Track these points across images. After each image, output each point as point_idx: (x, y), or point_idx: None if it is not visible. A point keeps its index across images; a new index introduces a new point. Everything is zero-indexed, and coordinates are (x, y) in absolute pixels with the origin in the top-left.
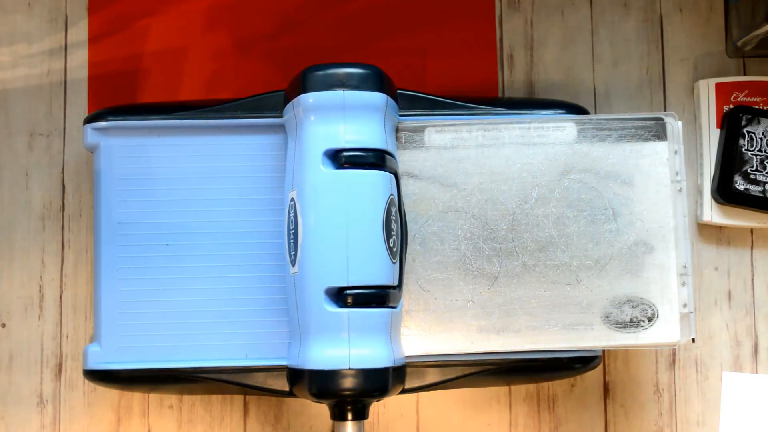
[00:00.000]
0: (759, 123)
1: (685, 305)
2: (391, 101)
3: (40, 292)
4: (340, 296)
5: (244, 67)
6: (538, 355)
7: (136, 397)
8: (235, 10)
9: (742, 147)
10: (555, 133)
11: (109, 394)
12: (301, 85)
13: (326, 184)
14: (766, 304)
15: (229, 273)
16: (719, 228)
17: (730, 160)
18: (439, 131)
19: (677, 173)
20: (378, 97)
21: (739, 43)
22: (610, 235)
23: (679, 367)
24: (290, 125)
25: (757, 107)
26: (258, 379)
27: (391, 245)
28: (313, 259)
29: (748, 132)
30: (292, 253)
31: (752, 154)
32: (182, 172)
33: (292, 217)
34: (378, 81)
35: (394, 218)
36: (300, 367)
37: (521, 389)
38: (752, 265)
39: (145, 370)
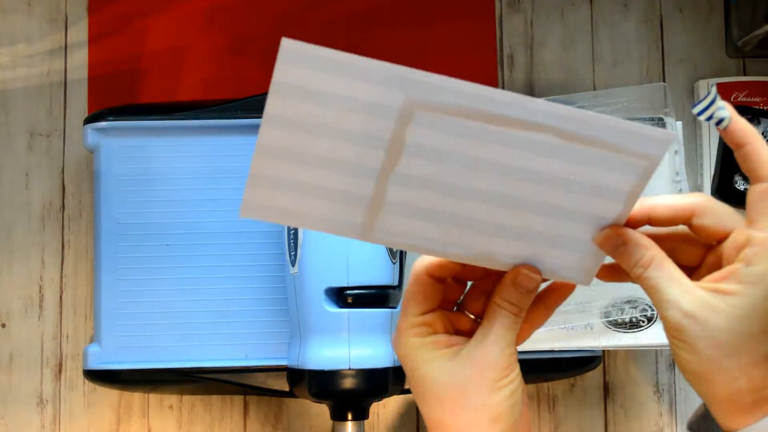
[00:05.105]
0: (759, 123)
1: None
2: None
3: (40, 292)
4: (340, 296)
5: (243, 68)
6: (538, 355)
7: (136, 397)
8: (234, 11)
9: None
10: None
11: (109, 394)
12: None
13: None
14: None
15: (228, 273)
16: None
17: (730, 160)
18: None
19: (677, 173)
20: None
21: (739, 43)
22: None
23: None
24: None
25: (757, 107)
26: (258, 379)
27: None
28: (313, 260)
29: None
30: (292, 253)
31: None
32: (182, 172)
33: None
34: None
35: None
36: (300, 367)
37: None
38: None
39: (145, 370)
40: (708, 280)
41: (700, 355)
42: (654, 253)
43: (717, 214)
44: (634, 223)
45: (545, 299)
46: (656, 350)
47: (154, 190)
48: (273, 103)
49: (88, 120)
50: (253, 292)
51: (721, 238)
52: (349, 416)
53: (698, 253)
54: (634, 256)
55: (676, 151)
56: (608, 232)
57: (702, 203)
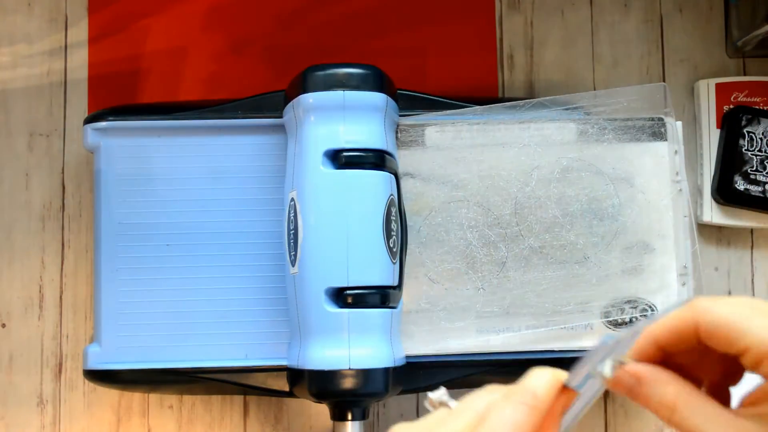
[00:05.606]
0: (759, 123)
1: None
2: (391, 101)
3: (40, 292)
4: (340, 296)
5: (243, 68)
6: (538, 355)
7: (136, 397)
8: (234, 11)
9: (742, 147)
10: (555, 133)
11: (109, 394)
12: (302, 85)
13: (326, 185)
14: None
15: (228, 273)
16: (719, 228)
17: (730, 160)
18: (439, 131)
19: (677, 173)
20: (378, 98)
21: (739, 43)
22: (614, 210)
23: None
24: (290, 125)
25: (757, 107)
26: (258, 379)
27: (391, 245)
28: (313, 260)
29: (748, 132)
30: (292, 253)
31: (752, 154)
32: (182, 172)
33: (292, 217)
34: (378, 81)
35: (394, 218)
36: (300, 367)
37: None
38: (752, 266)
39: (145, 370)
40: (745, 404)
41: None
42: (676, 388)
43: (721, 323)
44: (649, 359)
45: None
46: None
47: (154, 190)
48: None
49: (88, 120)
50: (253, 292)
51: (740, 351)
52: (349, 416)
53: (719, 364)
54: (654, 395)
55: (676, 151)
56: (618, 374)
57: (702, 317)
